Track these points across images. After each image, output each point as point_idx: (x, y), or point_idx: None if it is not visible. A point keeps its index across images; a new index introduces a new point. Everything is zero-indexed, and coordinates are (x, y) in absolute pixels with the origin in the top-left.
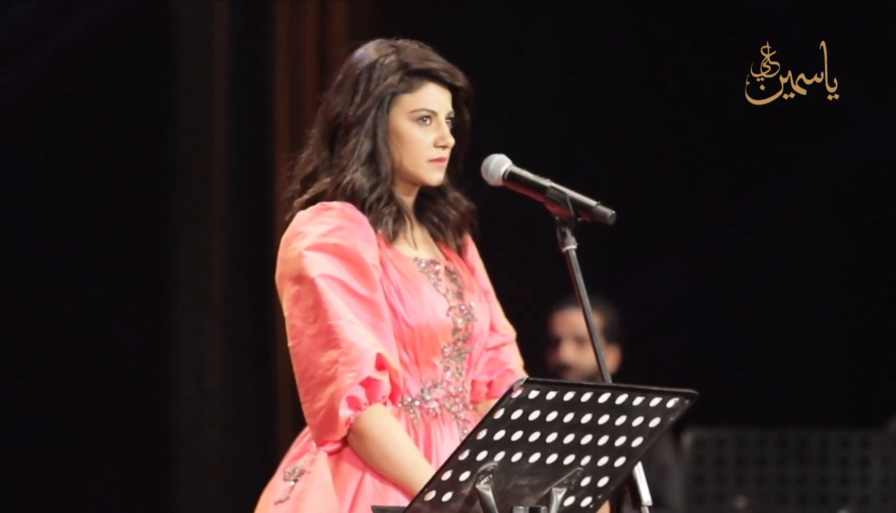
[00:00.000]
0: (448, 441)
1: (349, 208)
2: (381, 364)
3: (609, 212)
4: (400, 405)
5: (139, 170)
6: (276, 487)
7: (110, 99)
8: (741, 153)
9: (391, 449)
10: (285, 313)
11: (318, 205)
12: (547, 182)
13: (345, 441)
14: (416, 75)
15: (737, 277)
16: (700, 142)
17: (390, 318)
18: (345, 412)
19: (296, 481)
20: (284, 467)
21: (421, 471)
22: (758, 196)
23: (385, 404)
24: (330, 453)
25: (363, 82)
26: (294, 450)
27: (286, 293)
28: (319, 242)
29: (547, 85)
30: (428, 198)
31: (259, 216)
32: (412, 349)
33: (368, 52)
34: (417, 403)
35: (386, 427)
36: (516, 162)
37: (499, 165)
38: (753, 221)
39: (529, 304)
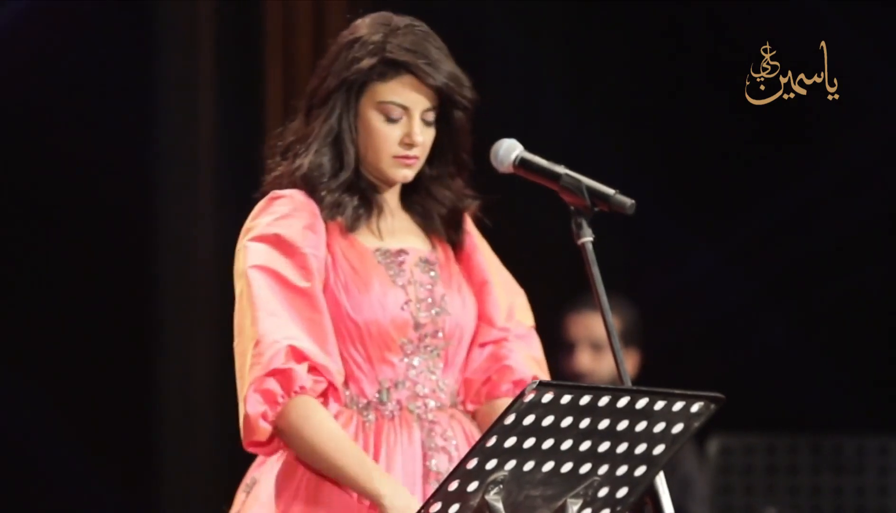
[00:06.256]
0: (401, 446)
1: (298, 195)
2: (297, 356)
3: (628, 201)
4: (354, 408)
5: (120, 162)
6: (236, 499)
7: (87, 83)
8: (779, 142)
9: (316, 441)
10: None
11: (270, 194)
12: (561, 169)
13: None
14: (391, 64)
15: (767, 272)
16: (730, 126)
17: (327, 310)
18: (253, 409)
19: (248, 492)
20: (246, 477)
21: (352, 459)
22: (794, 190)
23: (320, 400)
24: (282, 460)
25: (339, 60)
26: (259, 458)
27: (236, 294)
28: (261, 232)
29: (561, 66)
30: (416, 191)
31: (248, 208)
32: (362, 347)
33: (360, 26)
34: (373, 405)
35: (306, 418)
36: (528, 147)
37: (509, 151)
38: (787, 215)
39: (540, 304)
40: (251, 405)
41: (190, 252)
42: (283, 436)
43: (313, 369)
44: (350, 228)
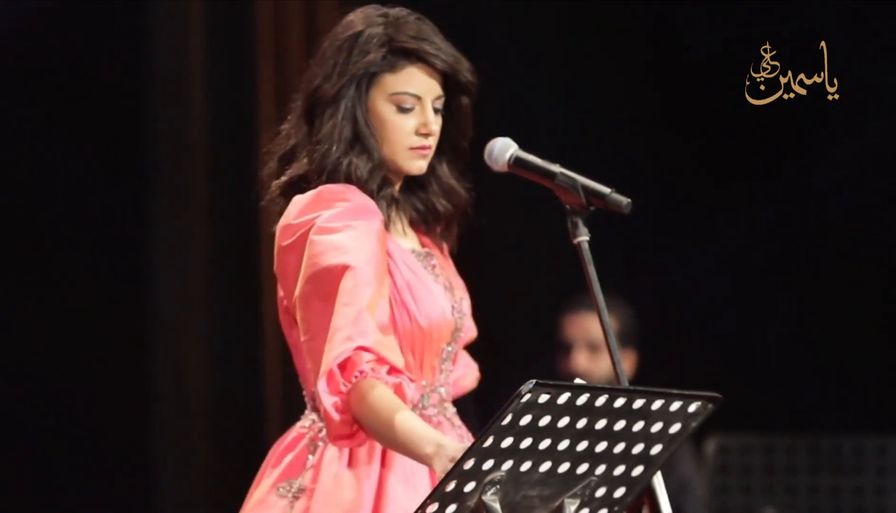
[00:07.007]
0: None
1: (353, 190)
2: (363, 350)
3: (625, 200)
4: None
5: (112, 160)
6: (270, 503)
7: (79, 75)
8: (779, 142)
9: (376, 420)
10: (300, 319)
11: (321, 189)
12: (556, 168)
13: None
14: (401, 54)
15: (765, 272)
16: (728, 122)
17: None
18: (326, 401)
19: (296, 498)
20: (276, 481)
21: (402, 430)
22: (791, 187)
23: (389, 387)
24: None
25: (343, 55)
26: (284, 460)
27: (302, 293)
28: (330, 225)
29: (556, 62)
30: (418, 184)
31: (242, 205)
32: (419, 352)
33: (356, 20)
34: (417, 411)
35: (364, 401)
36: (522, 146)
37: (503, 150)
38: (786, 215)
39: (537, 303)
40: (323, 398)
41: (184, 252)
42: (360, 424)
43: (380, 360)
44: (388, 227)
